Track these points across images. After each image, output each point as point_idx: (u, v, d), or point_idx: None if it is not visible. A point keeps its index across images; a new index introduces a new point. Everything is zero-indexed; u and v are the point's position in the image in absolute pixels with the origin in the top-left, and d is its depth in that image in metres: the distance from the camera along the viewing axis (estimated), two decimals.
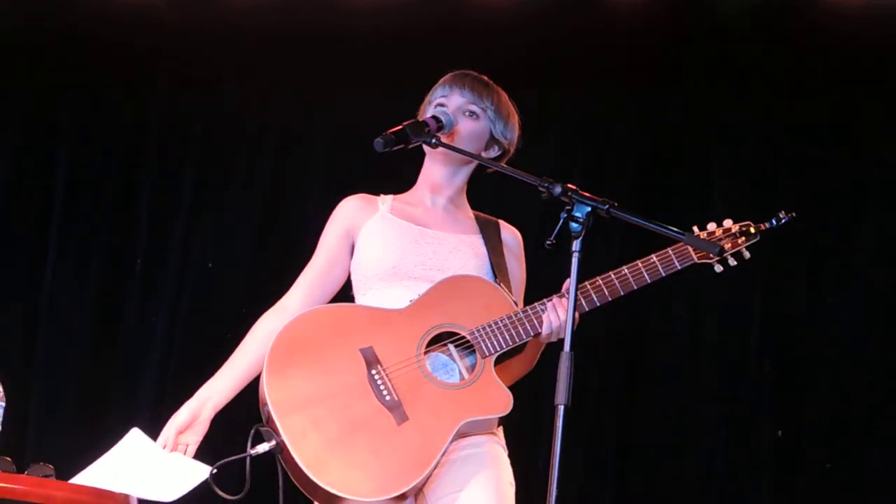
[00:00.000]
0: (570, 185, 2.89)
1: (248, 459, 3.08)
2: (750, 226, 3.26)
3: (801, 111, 5.22)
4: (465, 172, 3.40)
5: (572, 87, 5.28)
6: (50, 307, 5.48)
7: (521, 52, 5.16)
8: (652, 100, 5.33)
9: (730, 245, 3.22)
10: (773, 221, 3.24)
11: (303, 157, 5.51)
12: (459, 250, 3.31)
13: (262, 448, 3.10)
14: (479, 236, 3.37)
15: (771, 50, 5.27)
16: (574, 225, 2.83)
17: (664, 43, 5.29)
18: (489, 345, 3.14)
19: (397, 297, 3.24)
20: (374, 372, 3.11)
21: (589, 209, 2.84)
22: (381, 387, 3.10)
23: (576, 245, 2.82)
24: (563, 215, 2.85)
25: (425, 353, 3.15)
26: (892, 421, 5.03)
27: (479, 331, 3.15)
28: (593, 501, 5.16)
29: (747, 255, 3.25)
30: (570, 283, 2.83)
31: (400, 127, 3.16)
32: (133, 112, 5.58)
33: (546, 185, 2.92)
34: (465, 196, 3.45)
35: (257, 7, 5.49)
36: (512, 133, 3.41)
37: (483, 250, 3.33)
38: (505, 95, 3.41)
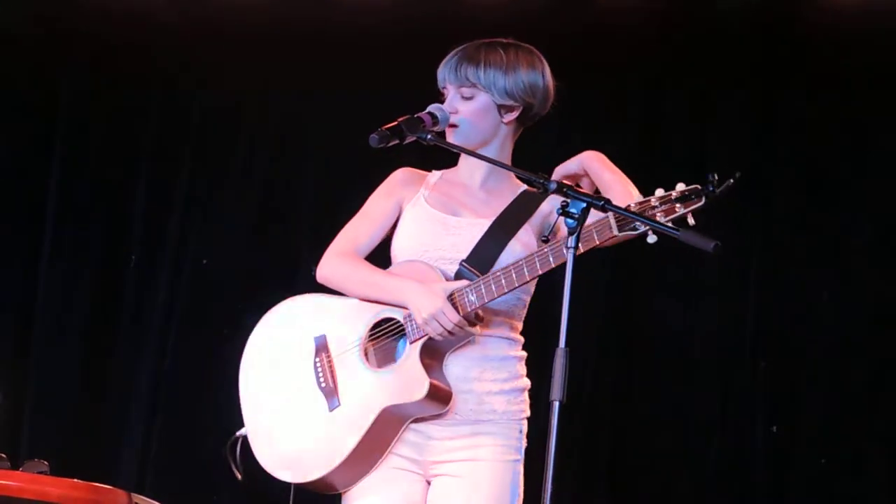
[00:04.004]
0: (565, 181, 2.88)
1: (239, 441, 3.30)
2: (697, 188, 2.84)
3: (799, 109, 5.22)
4: (493, 151, 3.28)
5: (570, 84, 5.27)
6: (45, 304, 5.48)
7: None
8: (650, 99, 5.33)
9: (665, 211, 2.84)
10: (714, 185, 2.78)
11: (299, 154, 5.50)
12: (477, 238, 3.23)
13: (240, 433, 3.26)
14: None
15: (769, 48, 5.27)
16: (569, 221, 2.82)
17: (663, 41, 5.29)
18: (415, 329, 3.14)
19: None
20: (317, 360, 3.23)
21: (584, 205, 2.82)
22: (320, 374, 3.21)
23: (571, 241, 2.80)
24: (559, 211, 2.84)
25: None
26: (887, 417, 5.03)
27: (410, 316, 3.14)
28: (589, 497, 5.16)
29: (692, 221, 2.83)
30: (566, 279, 2.82)
31: (395, 122, 3.13)
32: (129, 109, 5.58)
33: (542, 180, 2.92)
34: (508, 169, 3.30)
35: (254, 4, 5.49)
36: (519, 83, 3.28)
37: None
38: (498, 52, 3.25)
